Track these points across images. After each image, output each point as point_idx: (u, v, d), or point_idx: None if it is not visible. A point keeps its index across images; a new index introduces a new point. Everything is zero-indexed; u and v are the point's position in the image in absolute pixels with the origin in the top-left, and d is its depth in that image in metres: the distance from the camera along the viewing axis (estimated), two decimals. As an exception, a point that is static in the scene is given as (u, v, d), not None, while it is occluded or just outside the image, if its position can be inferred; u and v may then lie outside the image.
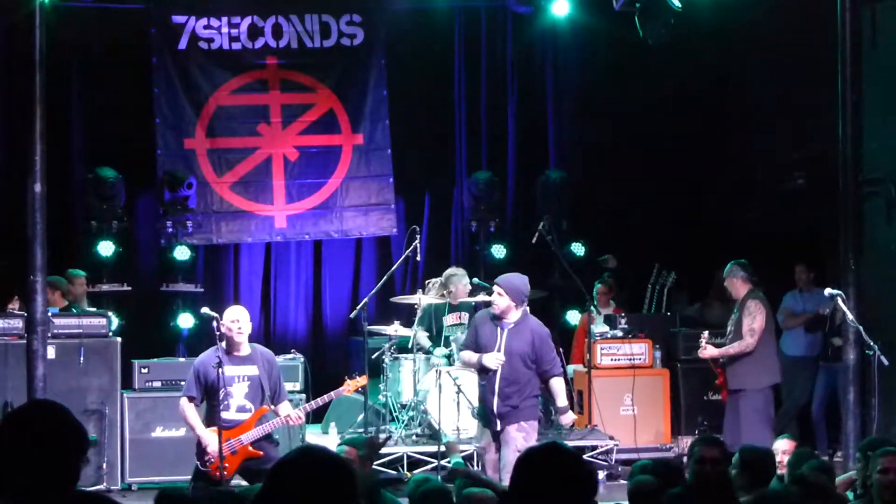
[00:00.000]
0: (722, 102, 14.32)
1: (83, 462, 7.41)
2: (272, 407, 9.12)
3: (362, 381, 9.45)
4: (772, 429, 11.22)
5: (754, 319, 11.08)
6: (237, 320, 9.09)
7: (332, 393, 9.47)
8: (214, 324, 9.14)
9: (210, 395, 8.98)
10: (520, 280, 9.50)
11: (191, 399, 9.04)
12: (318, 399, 9.50)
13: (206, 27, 13.74)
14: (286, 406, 9.19)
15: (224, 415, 8.86)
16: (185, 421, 9.21)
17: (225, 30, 13.76)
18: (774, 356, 11.50)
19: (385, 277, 12.52)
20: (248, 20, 13.78)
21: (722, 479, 6.38)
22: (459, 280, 12.69)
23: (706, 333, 11.37)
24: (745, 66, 14.16)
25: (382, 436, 11.13)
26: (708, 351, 11.23)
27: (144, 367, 11.82)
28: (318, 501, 3.23)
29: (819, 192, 12.92)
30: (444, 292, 12.69)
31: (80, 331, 11.60)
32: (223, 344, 9.05)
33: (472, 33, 14.80)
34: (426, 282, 13.21)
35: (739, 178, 14.25)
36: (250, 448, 8.93)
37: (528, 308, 9.58)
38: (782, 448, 8.31)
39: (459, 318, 12.75)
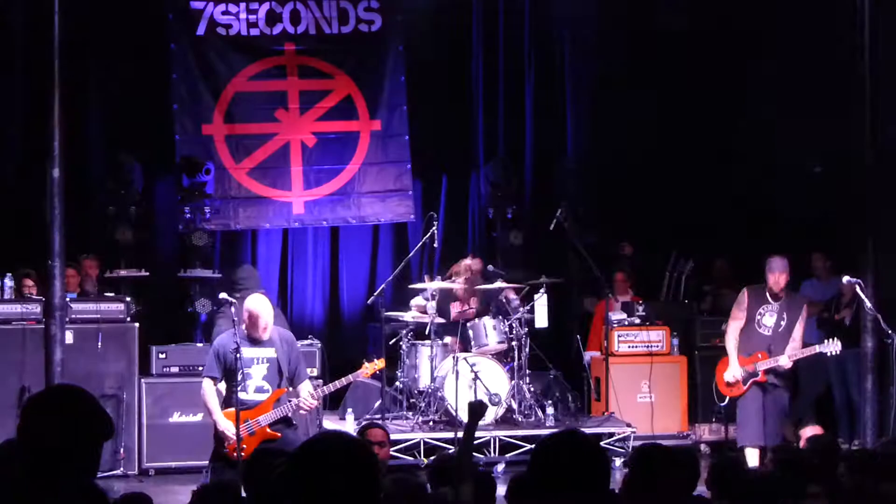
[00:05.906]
0: (743, 87, 14.25)
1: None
2: (290, 389, 9.13)
3: (380, 364, 9.44)
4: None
5: (805, 323, 10.90)
6: (259, 319, 8.99)
7: (349, 376, 9.47)
8: (232, 309, 9.19)
9: (228, 377, 9.01)
10: None
11: (213, 379, 9.05)
12: (336, 382, 9.51)
13: (224, 13, 13.72)
14: (307, 385, 9.18)
15: (242, 396, 8.87)
16: (204, 404, 9.17)
17: (243, 16, 13.74)
18: None
19: (402, 264, 12.52)
20: (266, 6, 13.76)
21: None
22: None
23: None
24: (768, 49, 14.07)
25: None
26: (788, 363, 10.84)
27: (162, 353, 11.86)
28: (341, 486, 3.24)
29: (836, 180, 12.88)
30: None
31: (98, 316, 11.63)
32: (243, 327, 9.06)
33: (489, 18, 14.75)
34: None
35: (760, 165, 14.19)
36: (268, 430, 8.94)
37: None
38: (807, 434, 8.31)
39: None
